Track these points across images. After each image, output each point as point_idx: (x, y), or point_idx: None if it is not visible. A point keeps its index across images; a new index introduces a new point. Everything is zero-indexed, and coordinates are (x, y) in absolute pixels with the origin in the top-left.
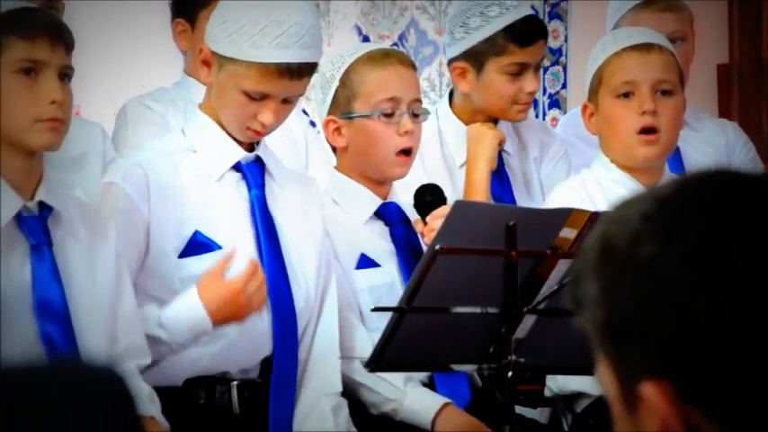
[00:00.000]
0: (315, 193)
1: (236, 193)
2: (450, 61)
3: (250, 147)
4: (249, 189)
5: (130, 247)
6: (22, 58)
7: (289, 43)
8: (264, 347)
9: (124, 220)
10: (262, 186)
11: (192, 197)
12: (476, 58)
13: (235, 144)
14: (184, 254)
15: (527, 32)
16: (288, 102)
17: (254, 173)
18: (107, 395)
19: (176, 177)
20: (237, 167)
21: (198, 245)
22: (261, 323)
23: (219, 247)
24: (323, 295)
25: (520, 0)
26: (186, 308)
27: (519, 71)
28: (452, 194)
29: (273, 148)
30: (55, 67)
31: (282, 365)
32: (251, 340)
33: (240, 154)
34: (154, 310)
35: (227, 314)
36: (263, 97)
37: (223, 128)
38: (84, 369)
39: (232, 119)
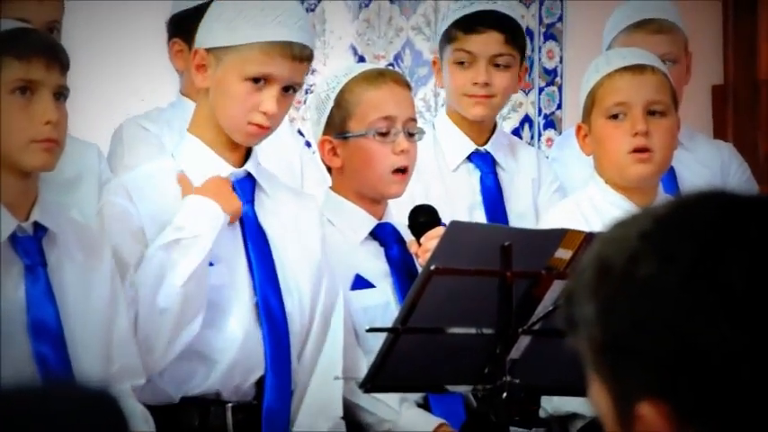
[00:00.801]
0: (312, 208)
1: None
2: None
3: (240, 163)
4: None
5: (137, 244)
6: (17, 78)
7: (289, 22)
8: (258, 364)
9: (121, 224)
10: (252, 201)
11: None
12: (439, 51)
13: (223, 161)
14: None
15: (473, 19)
16: (287, 94)
17: (244, 188)
18: (101, 415)
19: (164, 196)
20: None
21: None
22: (253, 335)
23: (211, 264)
24: (326, 316)
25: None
26: (189, 206)
27: (468, 61)
28: (444, 198)
29: (269, 168)
30: (50, 87)
31: (275, 383)
32: (245, 353)
33: (228, 170)
34: (165, 231)
35: (223, 198)
36: (265, 83)
37: (212, 147)
38: (78, 389)
39: (233, 113)
